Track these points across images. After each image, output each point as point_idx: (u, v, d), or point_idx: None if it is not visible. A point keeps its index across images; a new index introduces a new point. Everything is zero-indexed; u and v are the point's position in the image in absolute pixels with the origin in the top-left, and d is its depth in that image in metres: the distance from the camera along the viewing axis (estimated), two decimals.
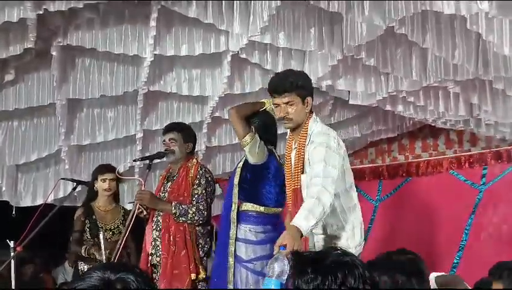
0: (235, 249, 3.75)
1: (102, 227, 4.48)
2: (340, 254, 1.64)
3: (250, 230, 3.77)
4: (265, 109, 3.87)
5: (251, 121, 3.82)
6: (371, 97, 5.60)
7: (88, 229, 4.48)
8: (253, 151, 3.71)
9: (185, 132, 4.22)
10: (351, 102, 5.79)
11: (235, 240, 3.76)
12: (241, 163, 3.89)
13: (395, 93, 5.50)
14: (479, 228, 5.47)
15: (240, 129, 3.71)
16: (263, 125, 3.87)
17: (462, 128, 6.39)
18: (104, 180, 4.55)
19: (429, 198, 5.75)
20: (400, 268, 2.11)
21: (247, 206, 3.81)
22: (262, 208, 3.79)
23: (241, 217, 3.81)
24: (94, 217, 4.51)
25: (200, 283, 4.00)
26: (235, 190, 3.83)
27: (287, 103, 3.22)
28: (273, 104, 3.35)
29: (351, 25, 4.49)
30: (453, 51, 4.47)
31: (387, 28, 4.29)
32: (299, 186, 3.21)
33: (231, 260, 3.74)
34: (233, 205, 3.82)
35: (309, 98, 3.28)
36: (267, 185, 3.81)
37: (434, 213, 5.61)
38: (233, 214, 3.80)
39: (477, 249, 5.37)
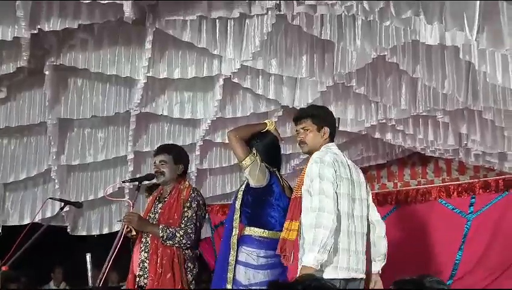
0: (234, 273, 3.67)
1: None
2: (311, 279, 1.66)
3: (251, 253, 3.68)
4: (267, 130, 3.88)
5: (252, 143, 3.80)
6: (361, 124, 5.64)
7: None
8: (253, 174, 3.67)
9: (176, 154, 4.16)
10: (340, 129, 5.82)
11: (235, 264, 3.69)
12: (243, 187, 3.83)
13: (384, 121, 5.53)
14: (469, 258, 5.48)
15: (238, 151, 3.71)
16: (265, 147, 3.84)
17: (451, 157, 6.43)
18: None
19: (418, 226, 5.75)
20: None
21: (251, 230, 3.74)
22: (266, 233, 3.71)
23: (244, 240, 3.73)
24: None
25: None
26: (236, 215, 3.77)
27: (303, 128, 3.49)
28: (295, 131, 3.57)
29: (342, 52, 4.54)
30: (443, 80, 4.52)
31: (377, 57, 4.34)
32: (299, 195, 3.33)
33: (229, 286, 3.65)
34: (233, 230, 3.76)
35: (326, 128, 3.48)
36: (270, 209, 3.73)
37: (424, 241, 5.61)
38: (234, 239, 3.74)
39: (467, 278, 5.37)
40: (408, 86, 5.02)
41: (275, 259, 3.67)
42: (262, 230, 3.73)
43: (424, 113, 5.21)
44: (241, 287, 3.64)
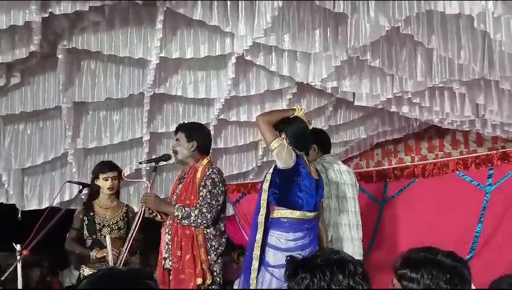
0: (261, 252, 3.75)
1: (100, 223, 4.45)
2: (330, 253, 1.65)
3: (280, 237, 3.76)
4: (296, 116, 3.93)
5: (281, 128, 3.86)
6: (376, 98, 5.59)
7: (86, 227, 4.46)
8: (280, 156, 3.74)
9: (188, 131, 4.12)
10: (356, 103, 5.79)
11: (264, 245, 3.76)
12: (272, 169, 3.89)
13: (400, 94, 5.49)
14: (489, 230, 5.44)
15: (266, 135, 3.78)
16: (293, 132, 3.89)
17: (468, 129, 6.37)
18: (106, 179, 4.52)
19: (436, 199, 5.71)
20: (443, 272, 2.04)
21: (280, 212, 3.81)
22: (294, 213, 3.79)
23: (273, 223, 3.82)
24: (92, 214, 4.48)
25: (208, 288, 3.92)
26: (264, 196, 3.83)
27: None
28: None
29: (356, 25, 4.49)
30: (458, 51, 4.46)
31: (392, 29, 4.28)
32: None
33: (255, 263, 3.73)
34: (261, 210, 3.82)
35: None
36: (297, 190, 3.79)
37: (442, 215, 5.58)
38: (261, 219, 3.80)
39: (487, 252, 5.33)
40: (423, 57, 4.96)
41: (303, 240, 3.77)
42: (290, 211, 3.79)
43: (440, 85, 5.16)
44: (269, 268, 3.71)
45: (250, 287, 3.72)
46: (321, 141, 4.61)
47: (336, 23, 4.72)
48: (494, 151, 5.90)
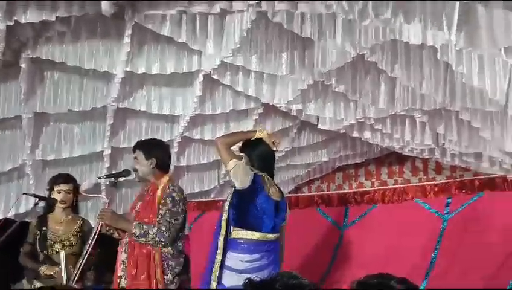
0: (221, 276, 3.76)
1: (51, 239, 4.35)
2: (289, 277, 1.65)
3: (236, 258, 3.78)
4: (260, 138, 3.97)
5: (244, 151, 3.93)
6: (340, 123, 5.65)
7: (38, 241, 4.35)
8: (236, 176, 3.79)
9: (146, 148, 4.08)
10: (319, 127, 5.83)
11: (222, 267, 3.78)
12: (233, 189, 3.92)
13: (362, 120, 5.54)
14: (444, 257, 5.52)
15: (223, 157, 3.85)
16: (257, 155, 3.95)
17: (427, 157, 6.47)
18: (59, 192, 4.42)
19: (395, 226, 5.80)
20: None
21: (239, 233, 3.83)
22: (251, 234, 3.80)
23: (231, 244, 3.83)
24: (45, 229, 4.38)
25: None
26: (224, 216, 3.85)
27: None
28: None
29: (322, 50, 4.53)
30: (421, 80, 4.53)
31: (357, 56, 4.34)
32: None
33: (214, 284, 3.75)
34: (221, 230, 3.84)
35: None
36: (254, 210, 3.82)
37: (400, 241, 5.65)
38: (221, 241, 3.82)
39: (442, 278, 5.41)
40: (387, 85, 5.02)
41: (260, 262, 3.80)
42: (246, 232, 3.82)
43: (402, 113, 5.23)
44: (224, 288, 3.73)
45: None
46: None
47: (304, 46, 4.76)
48: (452, 180, 6.02)
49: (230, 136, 4.12)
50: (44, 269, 4.24)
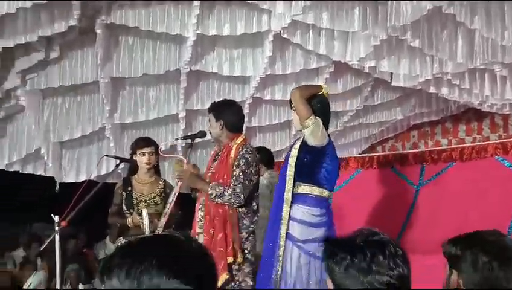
0: (287, 228, 3.73)
1: (137, 198, 4.48)
2: (370, 234, 1.64)
3: (307, 212, 3.75)
4: (322, 93, 3.89)
5: (312, 104, 3.80)
6: (415, 79, 5.50)
7: (124, 201, 4.50)
8: (315, 133, 3.71)
9: (215, 110, 4.09)
10: (393, 84, 5.70)
11: (289, 220, 3.74)
12: (298, 145, 3.85)
13: (439, 76, 5.39)
14: None
15: (303, 110, 3.73)
16: (322, 108, 3.85)
17: (508, 113, 6.23)
18: (143, 154, 4.53)
19: (473, 184, 5.62)
20: (485, 248, 2.02)
21: (305, 188, 3.79)
22: (319, 190, 3.78)
23: (298, 198, 3.79)
24: (130, 189, 4.51)
25: (238, 266, 3.94)
26: (290, 171, 3.80)
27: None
28: None
29: (396, 4, 4.40)
30: (502, 31, 4.34)
31: (433, 8, 4.18)
32: None
33: (283, 240, 3.72)
34: (288, 186, 3.79)
35: None
36: (325, 168, 3.79)
37: (479, 199, 5.49)
38: (288, 195, 3.78)
39: None
40: (465, 38, 4.85)
41: (327, 217, 3.78)
42: (315, 188, 3.77)
43: (481, 67, 5.05)
44: (297, 243, 3.70)
45: (277, 266, 3.71)
46: (266, 157, 5.31)
47: (376, 1, 4.63)
48: None
49: (306, 88, 4.02)
50: (130, 220, 4.37)
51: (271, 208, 4.00)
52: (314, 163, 3.78)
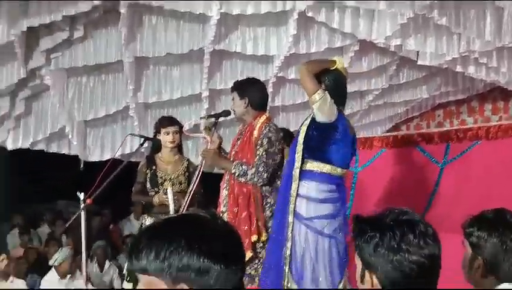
0: (295, 206, 3.69)
1: (161, 177, 4.51)
2: (399, 213, 1.63)
3: (313, 187, 3.68)
4: (336, 68, 3.78)
5: (322, 79, 3.72)
6: (441, 57, 5.41)
7: (148, 180, 4.53)
8: (322, 109, 3.60)
9: (239, 89, 4.07)
10: (419, 62, 5.62)
11: (296, 197, 3.69)
12: (307, 121, 3.78)
13: (466, 54, 5.30)
14: None
15: (309, 85, 3.62)
16: (334, 84, 3.74)
17: None
18: (167, 133, 4.55)
19: (499, 163, 5.55)
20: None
21: (313, 165, 3.72)
22: (328, 167, 3.70)
23: (305, 174, 3.72)
24: (154, 167, 4.54)
25: (262, 244, 3.95)
26: (299, 148, 3.73)
27: None
28: None
29: None
30: None
31: None
32: None
33: (291, 217, 3.68)
34: (296, 163, 3.73)
35: None
36: (335, 145, 3.70)
37: (504, 178, 5.42)
38: (296, 172, 3.71)
39: None
40: (493, 16, 4.75)
41: (335, 193, 3.71)
42: (324, 165, 3.70)
43: (510, 45, 4.95)
44: (303, 220, 3.67)
45: (287, 244, 3.67)
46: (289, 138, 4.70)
47: None
48: None
49: (314, 63, 3.91)
50: (157, 198, 4.41)
51: (280, 184, 3.93)
52: (323, 140, 3.69)
